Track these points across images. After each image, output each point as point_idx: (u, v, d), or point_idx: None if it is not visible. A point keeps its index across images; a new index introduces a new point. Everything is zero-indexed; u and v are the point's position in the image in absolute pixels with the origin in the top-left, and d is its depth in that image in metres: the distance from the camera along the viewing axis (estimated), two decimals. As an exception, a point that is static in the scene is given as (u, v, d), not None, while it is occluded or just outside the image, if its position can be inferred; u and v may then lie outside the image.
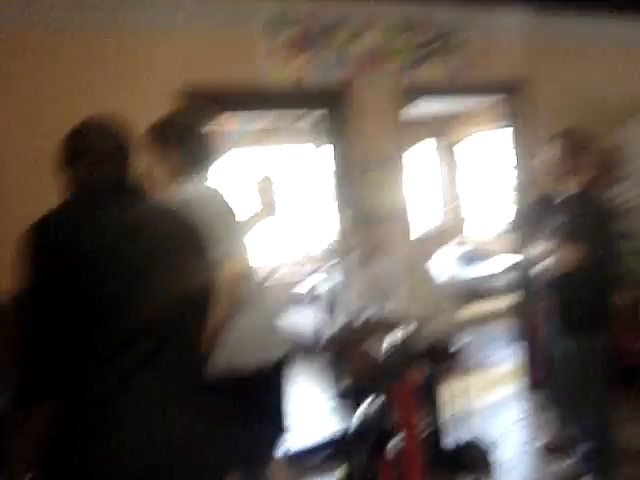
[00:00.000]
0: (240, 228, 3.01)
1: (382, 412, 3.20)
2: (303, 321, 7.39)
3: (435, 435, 3.97)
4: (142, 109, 3.71)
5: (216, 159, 3.09)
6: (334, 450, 3.48)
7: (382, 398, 3.13)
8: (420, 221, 9.86)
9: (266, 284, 3.45)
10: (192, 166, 2.97)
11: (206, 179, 3.01)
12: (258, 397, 2.95)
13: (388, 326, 3.69)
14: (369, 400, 3.33)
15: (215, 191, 2.96)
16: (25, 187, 3.67)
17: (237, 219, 2.98)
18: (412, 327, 3.48)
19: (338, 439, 3.24)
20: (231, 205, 2.97)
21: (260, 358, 2.94)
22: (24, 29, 3.85)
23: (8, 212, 3.51)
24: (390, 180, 5.15)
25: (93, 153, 2.14)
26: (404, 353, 2.86)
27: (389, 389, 3.05)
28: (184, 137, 2.98)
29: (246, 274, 2.85)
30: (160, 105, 3.84)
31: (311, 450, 4.60)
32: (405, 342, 2.87)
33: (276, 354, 3.02)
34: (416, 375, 3.51)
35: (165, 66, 4.22)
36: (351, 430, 3.23)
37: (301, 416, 5.18)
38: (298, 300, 8.17)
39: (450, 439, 4.05)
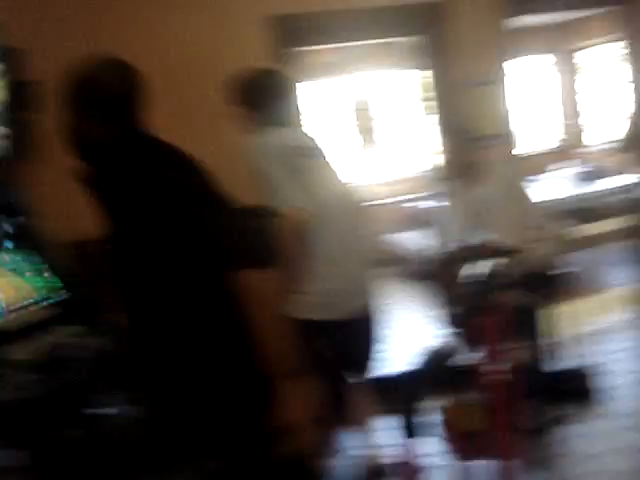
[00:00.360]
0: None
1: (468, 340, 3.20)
2: (410, 244, 7.34)
3: (535, 363, 3.92)
4: (231, 39, 3.75)
5: (299, 112, 3.23)
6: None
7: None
8: (531, 139, 9.54)
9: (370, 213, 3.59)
10: (274, 122, 3.13)
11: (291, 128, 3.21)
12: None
13: (485, 252, 3.63)
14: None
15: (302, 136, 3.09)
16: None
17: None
18: (507, 253, 3.44)
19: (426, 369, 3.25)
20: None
21: (351, 306, 3.14)
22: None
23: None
24: (493, 98, 4.97)
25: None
26: (495, 280, 2.80)
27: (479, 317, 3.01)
28: (266, 99, 3.13)
29: (309, 221, 2.99)
30: (249, 35, 3.87)
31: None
32: (497, 269, 2.81)
33: (363, 302, 3.21)
34: (511, 301, 3.49)
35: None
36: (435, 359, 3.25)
37: (401, 342, 5.25)
38: (406, 223, 8.14)
39: (555, 365, 3.98)
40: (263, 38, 4.07)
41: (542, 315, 4.01)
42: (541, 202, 4.25)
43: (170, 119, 3.88)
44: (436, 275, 3.82)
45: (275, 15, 4.13)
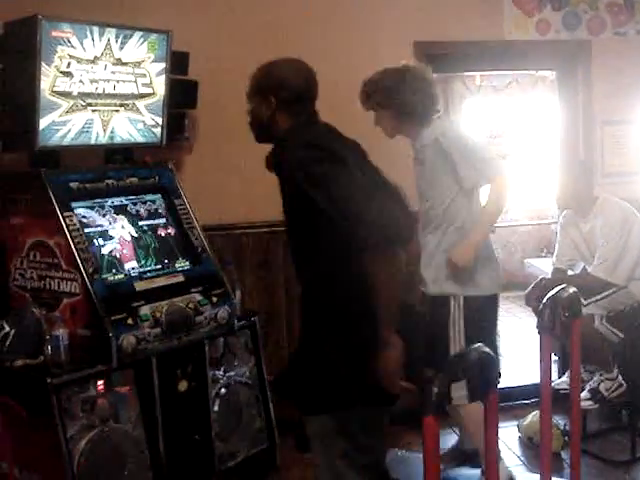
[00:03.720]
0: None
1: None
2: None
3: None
4: (380, 59, 4.04)
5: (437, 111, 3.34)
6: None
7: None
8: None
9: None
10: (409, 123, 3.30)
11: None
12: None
13: (581, 282, 3.77)
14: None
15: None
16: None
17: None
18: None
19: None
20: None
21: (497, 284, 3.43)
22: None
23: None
24: (629, 137, 5.04)
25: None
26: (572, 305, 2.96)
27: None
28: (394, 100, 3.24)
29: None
30: (397, 56, 4.15)
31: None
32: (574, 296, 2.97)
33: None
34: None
35: (397, 24, 4.45)
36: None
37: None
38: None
39: None
40: (409, 60, 4.33)
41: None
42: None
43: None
44: (534, 299, 3.95)
45: (422, 41, 4.40)
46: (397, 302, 2.16)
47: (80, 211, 3.26)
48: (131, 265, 3.36)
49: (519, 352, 5.44)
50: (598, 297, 4.04)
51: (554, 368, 4.79)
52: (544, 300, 2.88)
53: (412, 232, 2.28)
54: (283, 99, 2.36)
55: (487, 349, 2.02)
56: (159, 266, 3.46)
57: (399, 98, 3.23)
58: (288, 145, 2.33)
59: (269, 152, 2.41)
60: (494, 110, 8.64)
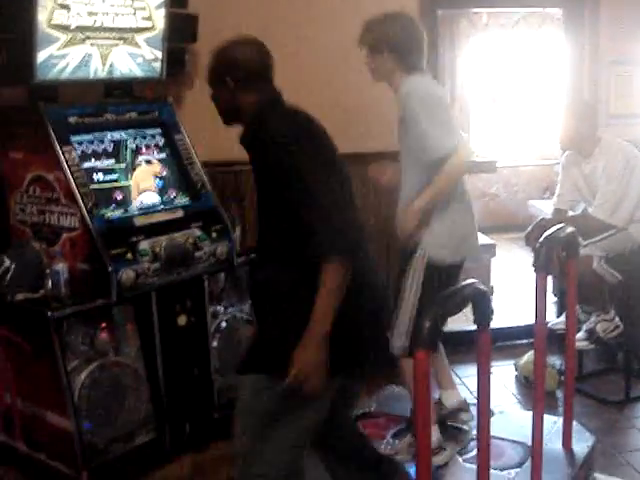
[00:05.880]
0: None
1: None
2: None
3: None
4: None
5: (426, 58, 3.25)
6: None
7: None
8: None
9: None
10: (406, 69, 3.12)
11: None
12: None
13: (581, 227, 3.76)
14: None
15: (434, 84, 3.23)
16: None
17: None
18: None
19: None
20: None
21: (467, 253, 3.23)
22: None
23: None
24: (631, 79, 4.97)
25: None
26: (569, 245, 2.97)
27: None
28: (412, 44, 3.12)
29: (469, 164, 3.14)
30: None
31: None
32: (572, 236, 2.97)
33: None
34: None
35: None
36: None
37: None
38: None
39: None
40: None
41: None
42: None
43: (312, 66, 4.25)
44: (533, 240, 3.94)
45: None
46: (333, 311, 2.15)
47: (79, 145, 3.24)
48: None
49: (519, 293, 5.48)
50: (597, 238, 4.03)
51: (553, 309, 4.84)
52: (541, 239, 2.89)
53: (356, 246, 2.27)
54: (240, 78, 2.39)
55: (481, 285, 2.04)
56: (159, 201, 3.47)
57: (393, 37, 3.11)
58: (265, 119, 2.34)
59: (242, 133, 2.42)
60: (500, 49, 8.53)
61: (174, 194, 3.53)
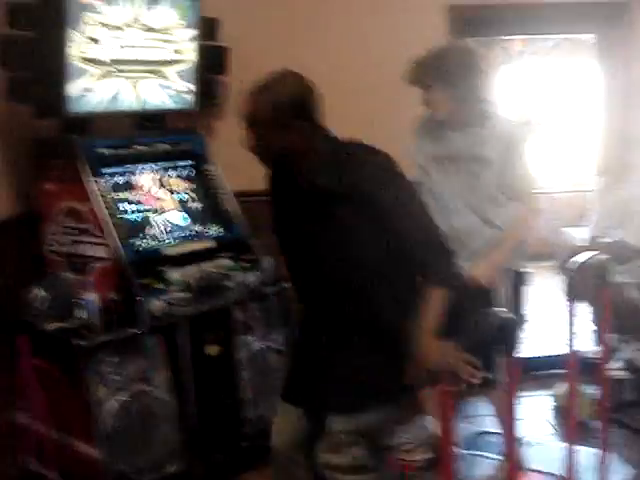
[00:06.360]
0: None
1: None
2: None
3: None
4: (409, 26, 3.97)
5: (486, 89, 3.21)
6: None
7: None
8: None
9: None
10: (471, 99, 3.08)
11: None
12: None
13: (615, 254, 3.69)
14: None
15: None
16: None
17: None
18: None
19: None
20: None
21: None
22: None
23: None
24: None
25: None
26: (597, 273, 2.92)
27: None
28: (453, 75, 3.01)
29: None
30: (427, 22, 4.08)
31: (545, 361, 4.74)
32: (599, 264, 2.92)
33: None
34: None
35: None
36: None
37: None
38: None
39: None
40: (441, 27, 4.24)
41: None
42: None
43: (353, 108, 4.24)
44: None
45: (454, 5, 4.31)
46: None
47: (110, 177, 3.29)
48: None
49: (556, 321, 5.38)
50: (633, 265, 3.96)
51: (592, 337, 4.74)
52: (575, 267, 2.84)
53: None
54: (299, 116, 2.24)
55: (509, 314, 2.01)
56: (189, 231, 3.49)
57: (464, 78, 3.03)
58: (350, 156, 2.27)
59: (310, 176, 2.30)
60: (535, 76, 8.49)
61: (205, 224, 3.56)
